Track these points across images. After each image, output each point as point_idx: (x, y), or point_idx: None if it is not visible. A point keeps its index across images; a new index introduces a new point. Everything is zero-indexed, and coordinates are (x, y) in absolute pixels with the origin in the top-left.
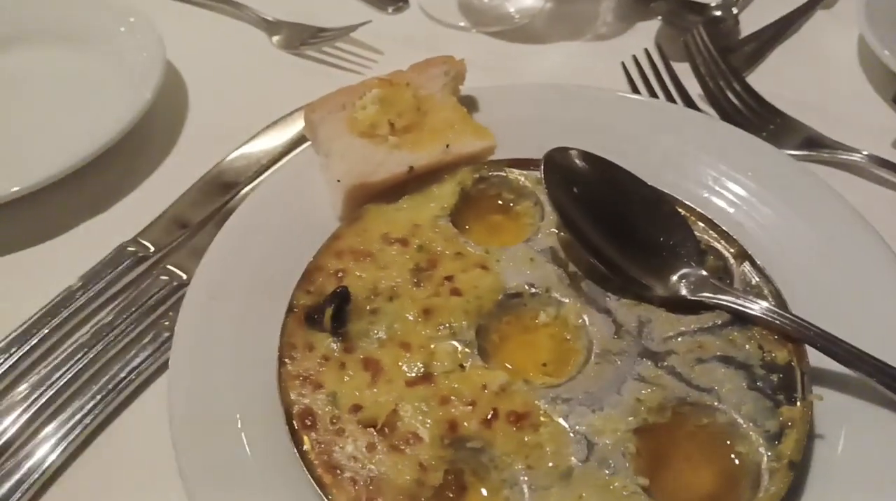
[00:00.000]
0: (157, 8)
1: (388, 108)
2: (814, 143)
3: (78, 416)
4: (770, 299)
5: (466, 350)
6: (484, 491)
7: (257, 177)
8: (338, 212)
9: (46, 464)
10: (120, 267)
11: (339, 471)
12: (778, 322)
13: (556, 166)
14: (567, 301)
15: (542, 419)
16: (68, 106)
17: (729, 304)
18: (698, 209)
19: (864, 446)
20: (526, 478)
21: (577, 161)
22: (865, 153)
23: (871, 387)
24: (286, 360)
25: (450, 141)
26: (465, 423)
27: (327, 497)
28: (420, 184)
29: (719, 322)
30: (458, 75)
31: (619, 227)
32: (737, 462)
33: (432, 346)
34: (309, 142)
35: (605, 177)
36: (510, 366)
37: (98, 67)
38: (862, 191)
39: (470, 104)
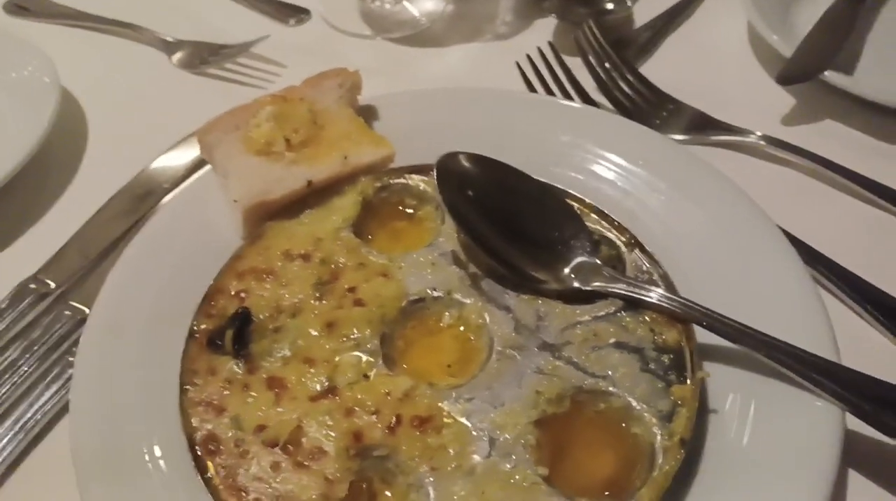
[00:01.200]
0: (48, 35)
1: (283, 125)
2: (707, 127)
3: None
4: (660, 283)
5: (370, 359)
6: (390, 495)
7: (160, 200)
8: (239, 232)
9: None
10: (21, 305)
11: (243, 494)
12: (666, 305)
13: (448, 172)
14: (469, 301)
15: (445, 420)
16: None
17: (620, 291)
18: (591, 201)
19: (754, 417)
20: (431, 479)
21: (468, 164)
22: (758, 133)
23: (759, 361)
24: (188, 387)
25: (347, 152)
26: (370, 432)
27: None
28: (321, 197)
29: (612, 309)
30: (354, 86)
31: (513, 226)
32: (633, 444)
33: (336, 359)
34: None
35: (496, 178)
36: (416, 371)
37: None
38: (756, 170)
39: (369, 113)
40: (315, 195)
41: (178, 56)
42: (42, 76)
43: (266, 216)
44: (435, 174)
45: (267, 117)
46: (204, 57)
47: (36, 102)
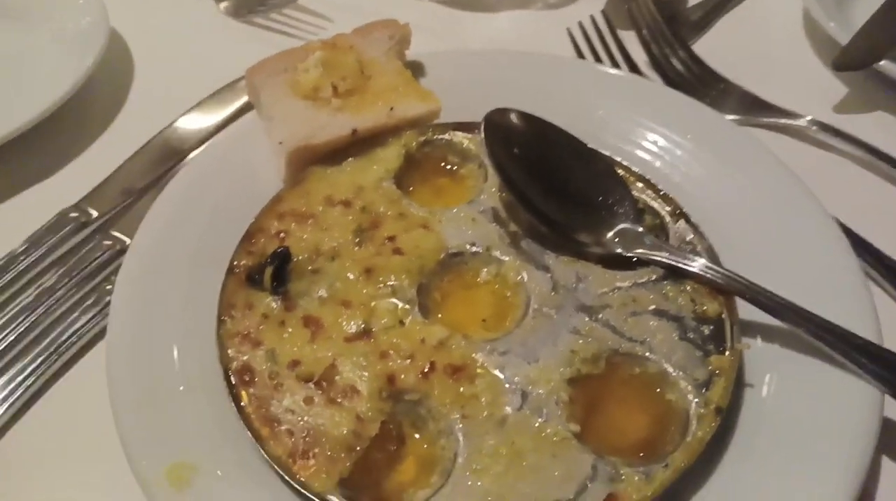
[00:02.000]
0: None
1: (330, 72)
2: (756, 108)
3: (19, 378)
4: (703, 254)
5: (407, 307)
6: (419, 439)
7: (202, 143)
8: (281, 175)
9: None
10: (62, 232)
11: (276, 424)
12: (709, 275)
13: (496, 127)
14: (507, 259)
15: (478, 371)
16: (9, 73)
17: (663, 260)
18: (636, 170)
19: (790, 392)
20: (461, 427)
21: (517, 122)
22: (808, 118)
23: (799, 336)
24: (225, 319)
25: (394, 103)
26: (403, 376)
27: (264, 449)
28: (365, 146)
29: (654, 277)
30: (403, 39)
31: (557, 186)
32: (667, 409)
33: (373, 304)
34: (254, 109)
35: (544, 138)
36: (451, 322)
37: (40, 34)
38: (804, 155)
39: (416, 69)
40: (358, 144)
41: (225, 3)
42: (92, 14)
43: (309, 161)
44: (482, 128)
45: (315, 63)
46: (251, 6)
47: (84, 40)
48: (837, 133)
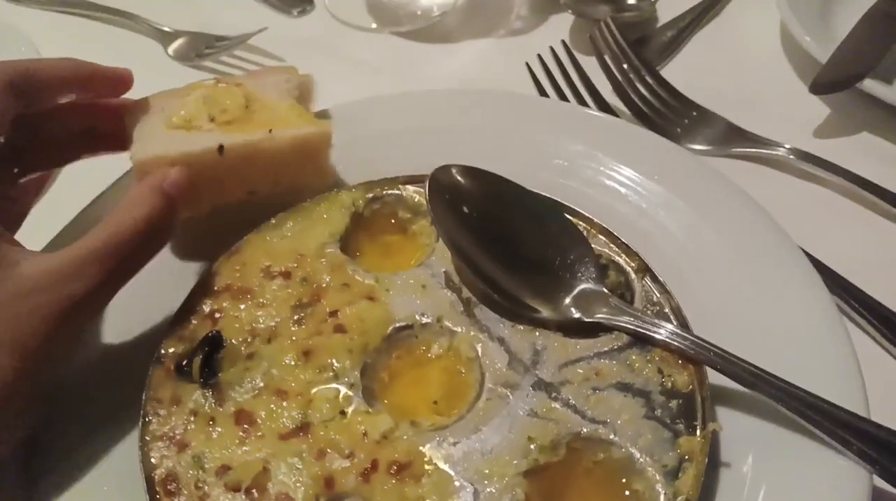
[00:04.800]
0: (37, 22)
1: (210, 105)
2: (733, 138)
3: None
4: (671, 316)
5: (349, 393)
6: None
7: None
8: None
9: None
10: None
11: None
12: (677, 343)
13: (442, 187)
14: (460, 330)
15: (426, 467)
16: None
17: (627, 326)
18: (598, 221)
19: (771, 474)
20: None
21: (464, 179)
22: (787, 146)
23: (778, 410)
24: (150, 418)
25: (274, 127)
26: (342, 478)
27: None
28: (305, 208)
29: (617, 345)
30: (304, 89)
31: (511, 247)
32: None
33: (312, 392)
34: None
35: (495, 194)
36: (399, 406)
37: None
38: (785, 187)
39: (358, 117)
40: (295, 209)
41: (173, 47)
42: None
43: (186, 196)
44: (426, 190)
45: (196, 100)
46: (200, 49)
47: None
48: (819, 162)
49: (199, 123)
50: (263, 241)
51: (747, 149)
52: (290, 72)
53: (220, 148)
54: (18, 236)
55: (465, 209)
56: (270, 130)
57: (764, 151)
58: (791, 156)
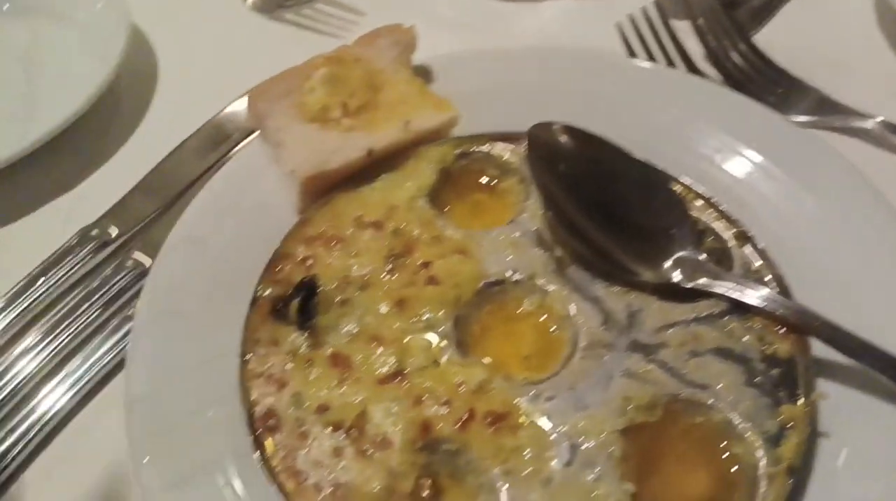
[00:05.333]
0: None
1: (338, 89)
2: (825, 109)
3: (39, 411)
4: (772, 285)
5: (443, 343)
6: (458, 492)
7: (229, 151)
8: (296, 205)
9: (8, 460)
10: (82, 252)
11: (301, 478)
12: (780, 311)
13: (540, 143)
14: (552, 288)
15: (521, 420)
16: (24, 80)
17: (727, 292)
18: (696, 186)
19: (871, 446)
20: (504, 484)
21: (563, 137)
22: (881, 119)
23: (881, 382)
24: (249, 357)
25: (408, 116)
26: (439, 425)
27: None
28: (395, 161)
29: (716, 311)
30: (409, 45)
31: (608, 209)
32: (732, 465)
33: (406, 340)
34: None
35: (594, 155)
36: (490, 360)
37: (57, 36)
38: (876, 161)
39: (444, 74)
40: (387, 160)
41: None
42: (112, 13)
43: (324, 188)
44: (526, 145)
45: (321, 81)
46: (280, 0)
47: (105, 40)
48: None
49: (333, 113)
50: (355, 192)
51: (839, 121)
52: (396, 31)
53: (370, 152)
54: (98, 183)
55: (563, 167)
56: (407, 122)
57: (856, 123)
58: (884, 130)
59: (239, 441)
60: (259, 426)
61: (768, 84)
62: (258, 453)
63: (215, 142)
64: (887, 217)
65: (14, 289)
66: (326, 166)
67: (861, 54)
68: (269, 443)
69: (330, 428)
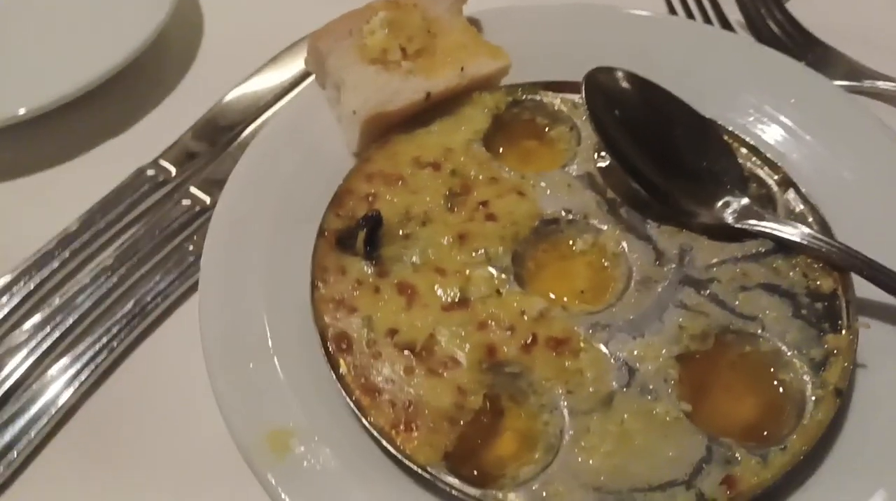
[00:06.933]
0: None
1: (397, 32)
2: (854, 73)
3: (103, 340)
4: (815, 227)
5: (503, 276)
6: (519, 413)
7: (278, 100)
8: (352, 147)
9: (78, 383)
10: (141, 191)
11: (377, 394)
12: (823, 249)
13: (598, 86)
14: (605, 227)
15: (581, 345)
16: (80, 25)
17: (773, 232)
18: (741, 135)
19: None
20: (566, 403)
21: (621, 82)
22: None
23: None
24: (319, 284)
25: (464, 63)
26: (504, 348)
27: (366, 420)
28: (449, 106)
29: (763, 250)
30: None
31: (661, 152)
32: (780, 390)
33: (468, 272)
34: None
35: (648, 100)
36: (548, 294)
37: None
38: None
39: (494, 26)
40: (442, 105)
41: None
42: None
43: (381, 130)
44: (583, 88)
45: (381, 24)
46: None
47: None
48: None
49: (393, 56)
50: (412, 135)
51: (868, 85)
52: None
53: (428, 95)
54: (152, 124)
55: (618, 111)
56: (462, 68)
57: (884, 87)
58: None
59: (312, 362)
60: (332, 347)
61: (799, 50)
62: (333, 372)
63: (262, 93)
64: None
65: (74, 225)
66: (387, 107)
67: (889, 22)
68: (342, 363)
69: (400, 349)
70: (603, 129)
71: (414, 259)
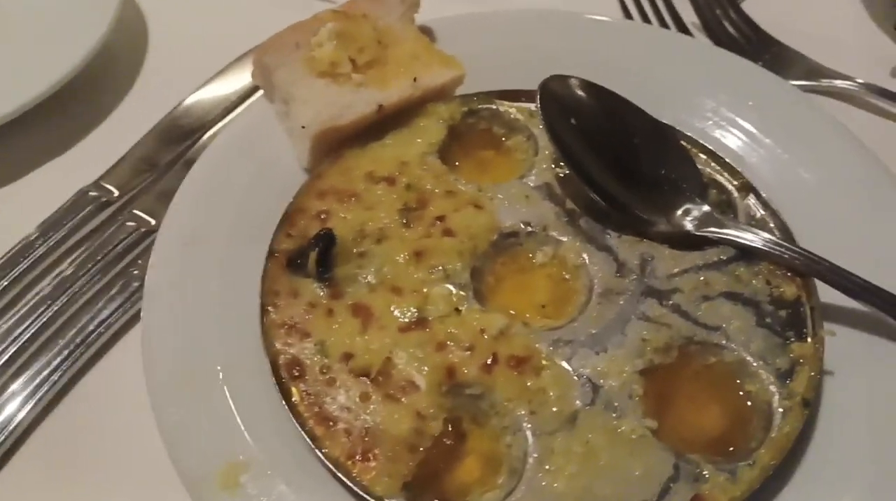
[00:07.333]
0: None
1: (346, 44)
2: (811, 73)
3: (45, 372)
4: (776, 233)
5: (461, 293)
6: (480, 436)
7: (224, 116)
8: (303, 162)
9: (14, 423)
10: (82, 213)
11: (331, 423)
12: (786, 255)
13: (553, 95)
14: (565, 239)
15: (543, 362)
16: (17, 41)
17: (734, 239)
18: (699, 140)
19: (875, 383)
20: (529, 424)
21: (575, 90)
22: (862, 82)
23: (882, 321)
24: (269, 308)
25: (417, 73)
26: (464, 369)
27: (321, 451)
28: (403, 119)
29: (724, 257)
30: (413, 4)
31: (619, 160)
32: (747, 401)
33: (425, 290)
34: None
35: (605, 108)
36: (508, 309)
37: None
38: (859, 121)
39: (448, 35)
40: (396, 117)
41: None
42: None
43: (333, 144)
44: (538, 97)
45: (329, 35)
46: None
47: (96, 4)
48: (893, 96)
49: (343, 68)
50: (365, 149)
51: (824, 83)
52: None
53: (380, 107)
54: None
55: (574, 120)
56: (415, 79)
57: (840, 85)
58: (866, 92)
59: (264, 390)
60: (284, 374)
61: (756, 50)
62: (284, 401)
63: (209, 110)
64: (874, 169)
65: (12, 251)
66: (339, 121)
67: (843, 21)
68: (294, 391)
69: (356, 375)
70: (559, 139)
71: (369, 278)
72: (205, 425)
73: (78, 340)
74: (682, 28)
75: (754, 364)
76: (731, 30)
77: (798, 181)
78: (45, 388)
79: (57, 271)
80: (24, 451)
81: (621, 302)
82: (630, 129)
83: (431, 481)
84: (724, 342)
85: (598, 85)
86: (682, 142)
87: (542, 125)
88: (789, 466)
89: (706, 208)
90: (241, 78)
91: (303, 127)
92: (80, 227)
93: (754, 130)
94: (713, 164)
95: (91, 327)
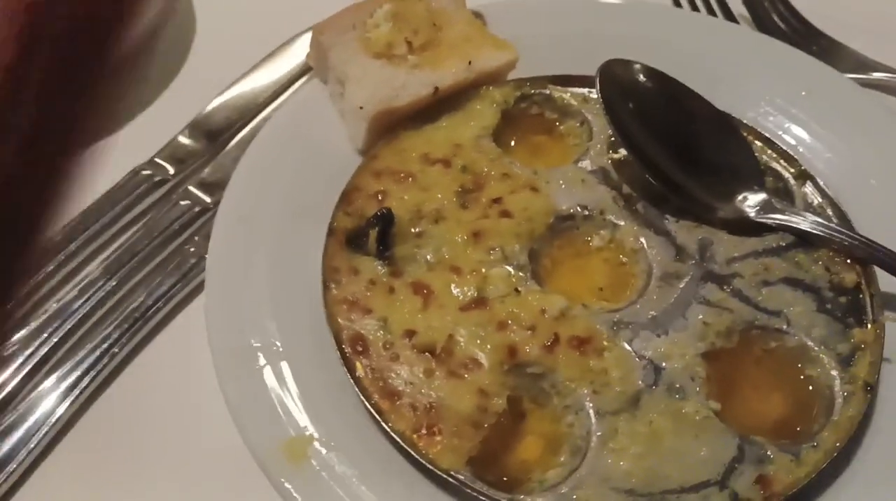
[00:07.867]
0: None
1: (402, 25)
2: (860, 66)
3: (105, 345)
4: (834, 220)
5: (520, 274)
6: (541, 416)
7: (276, 98)
8: (358, 143)
9: (77, 393)
10: (138, 191)
11: (396, 397)
12: (845, 242)
13: (613, 78)
14: (622, 223)
15: (605, 343)
16: None
17: (793, 225)
18: (756, 128)
19: None
20: (592, 404)
21: (636, 74)
22: None
23: None
24: (331, 284)
25: (471, 56)
26: (526, 348)
27: (386, 424)
28: (455, 102)
29: (783, 243)
30: None
31: (678, 146)
32: (809, 385)
33: (484, 270)
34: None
35: (663, 93)
36: (565, 292)
37: None
38: None
39: (498, 19)
40: (449, 100)
41: None
42: None
43: (388, 125)
44: (597, 80)
45: (385, 16)
46: None
47: None
48: None
49: (398, 49)
50: (419, 131)
51: (874, 77)
52: None
53: (436, 89)
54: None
55: (633, 104)
56: (470, 62)
57: (890, 78)
58: None
59: (326, 365)
60: (348, 349)
61: (803, 43)
62: (349, 376)
63: (261, 90)
64: None
65: (67, 228)
66: (394, 102)
67: (892, 18)
68: (359, 366)
69: (419, 351)
70: (618, 122)
71: (428, 258)
72: (270, 399)
73: (137, 314)
74: (730, 17)
75: (816, 348)
76: (778, 21)
77: (855, 170)
78: (104, 360)
79: (114, 247)
80: (87, 419)
81: (681, 286)
82: (689, 115)
83: (493, 458)
84: (785, 327)
85: (658, 70)
86: (739, 130)
87: (601, 107)
88: (851, 451)
89: (764, 195)
90: (292, 60)
91: (360, 107)
92: (137, 205)
93: (808, 119)
94: (769, 152)
95: (150, 302)
